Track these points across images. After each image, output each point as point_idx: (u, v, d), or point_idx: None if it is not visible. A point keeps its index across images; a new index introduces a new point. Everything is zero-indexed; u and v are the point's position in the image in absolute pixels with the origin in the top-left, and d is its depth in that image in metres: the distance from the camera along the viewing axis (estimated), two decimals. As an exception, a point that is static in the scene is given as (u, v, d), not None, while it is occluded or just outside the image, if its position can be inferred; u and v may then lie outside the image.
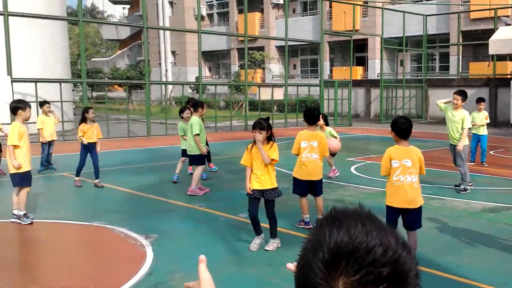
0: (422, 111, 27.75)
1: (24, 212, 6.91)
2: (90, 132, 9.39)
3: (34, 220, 6.98)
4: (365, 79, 32.44)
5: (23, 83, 17.08)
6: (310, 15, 37.27)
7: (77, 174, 9.51)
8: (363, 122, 27.27)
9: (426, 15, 27.84)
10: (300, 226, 6.72)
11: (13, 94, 15.62)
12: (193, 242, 6.20)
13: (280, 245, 5.87)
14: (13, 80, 16.10)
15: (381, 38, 26.55)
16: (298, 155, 6.66)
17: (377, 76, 30.53)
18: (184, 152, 9.70)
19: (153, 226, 6.75)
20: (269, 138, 5.78)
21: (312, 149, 6.60)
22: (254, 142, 5.70)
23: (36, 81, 17.11)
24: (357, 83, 29.18)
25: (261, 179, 5.74)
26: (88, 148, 9.42)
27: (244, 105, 24.61)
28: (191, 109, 9.23)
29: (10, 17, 16.15)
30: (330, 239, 0.96)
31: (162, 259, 5.49)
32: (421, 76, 29.70)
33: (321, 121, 9.12)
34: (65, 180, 10.28)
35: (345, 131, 22.08)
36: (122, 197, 8.94)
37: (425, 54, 28.85)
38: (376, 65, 31.70)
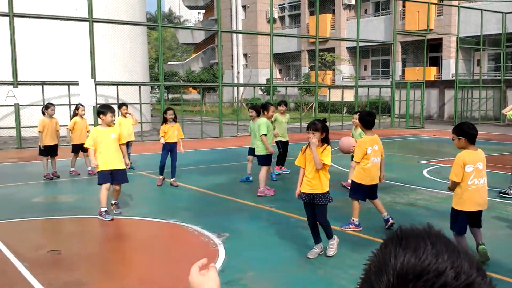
0: (500, 113, 26.50)
1: (106, 209, 7.28)
2: (171, 132, 9.72)
3: (115, 217, 7.34)
4: (438, 80, 31.40)
5: (106, 86, 17.92)
6: (382, 15, 36.56)
7: (160, 173, 9.84)
8: (436, 124, 26.42)
9: (506, 13, 26.55)
10: (350, 229, 6.64)
11: (96, 97, 16.43)
12: (263, 242, 6.29)
13: (338, 240, 5.71)
14: (97, 83, 16.92)
15: (457, 37, 25.57)
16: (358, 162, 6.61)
17: (452, 77, 29.47)
18: (251, 151, 9.86)
19: (225, 225, 6.91)
20: (325, 140, 5.57)
21: (375, 153, 6.57)
22: (309, 143, 5.52)
23: (117, 84, 17.88)
24: (430, 84, 28.30)
25: (312, 182, 5.51)
26: (169, 148, 9.75)
27: (314, 107, 24.52)
28: (259, 110, 9.52)
29: (94, 24, 17.00)
30: (396, 260, 0.87)
31: (233, 258, 5.61)
32: (499, 76, 28.35)
33: (356, 120, 8.64)
34: (144, 179, 10.70)
35: (417, 133, 21.49)
36: (196, 196, 9.19)
37: (504, 53, 27.51)
38: (451, 65, 30.60)
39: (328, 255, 5.62)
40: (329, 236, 5.65)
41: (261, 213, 7.76)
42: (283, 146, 10.88)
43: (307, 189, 5.54)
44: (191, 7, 64.34)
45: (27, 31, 17.52)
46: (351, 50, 35.92)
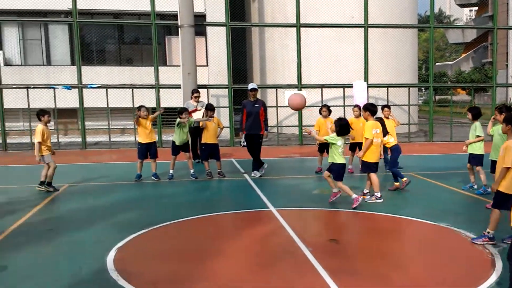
0: None
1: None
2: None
3: (386, 214, 7.44)
4: None
5: (377, 88, 18.18)
6: None
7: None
8: None
9: None
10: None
11: (368, 99, 16.80)
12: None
13: None
14: (369, 86, 17.31)
15: None
16: None
17: None
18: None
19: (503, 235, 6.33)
20: None
21: None
22: None
23: (387, 86, 17.97)
24: None
25: None
26: None
27: None
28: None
29: (369, 29, 17.41)
30: None
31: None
32: None
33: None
34: (414, 180, 10.49)
35: None
36: (464, 200, 8.66)
37: None
38: None
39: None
40: None
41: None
42: None
43: None
44: (462, 5, 60.47)
45: (310, 39, 18.92)
46: None
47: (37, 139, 9.22)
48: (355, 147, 10.87)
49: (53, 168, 9.42)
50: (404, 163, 12.16)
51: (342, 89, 17.55)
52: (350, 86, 17.24)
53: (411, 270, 5.24)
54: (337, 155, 7.86)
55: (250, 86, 10.83)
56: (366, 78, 17.44)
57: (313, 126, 11.18)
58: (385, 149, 9.43)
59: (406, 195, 9.02)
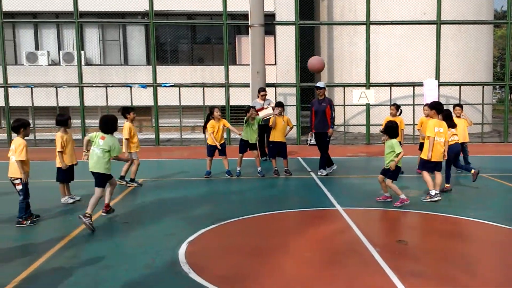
0: None
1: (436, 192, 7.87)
2: None
3: (459, 217, 7.20)
4: None
5: (448, 86, 17.55)
6: None
7: None
8: None
9: None
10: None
11: (439, 97, 16.24)
12: None
13: None
14: (440, 84, 16.73)
15: None
16: None
17: None
18: None
19: None
20: None
21: None
22: None
23: (460, 84, 17.30)
24: None
25: None
26: None
27: None
28: None
29: (442, 25, 16.83)
30: None
31: None
32: None
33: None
34: (487, 181, 10.08)
35: None
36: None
37: None
38: None
39: None
40: None
41: None
42: None
43: None
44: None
45: (379, 37, 18.55)
46: None
47: (124, 136, 9.46)
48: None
49: (137, 165, 9.74)
50: (477, 164, 11.69)
51: (411, 87, 17.08)
52: (420, 84, 16.75)
53: (481, 274, 5.06)
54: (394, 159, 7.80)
55: (319, 84, 10.80)
56: (437, 76, 16.87)
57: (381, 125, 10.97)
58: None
59: (478, 197, 8.68)
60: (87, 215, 6.61)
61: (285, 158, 11.01)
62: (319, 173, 10.82)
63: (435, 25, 16.86)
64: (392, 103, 11.62)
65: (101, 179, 6.86)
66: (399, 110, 10.90)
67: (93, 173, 6.89)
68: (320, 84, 10.81)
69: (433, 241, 6.31)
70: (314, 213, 7.66)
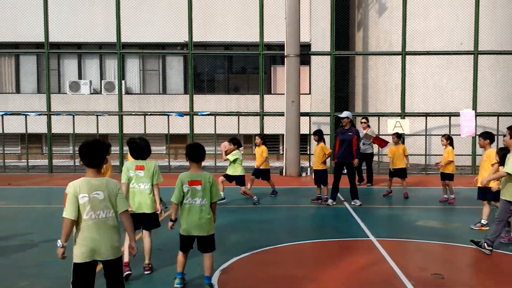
0: None
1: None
2: None
3: (496, 250, 6.96)
4: None
5: (486, 117, 17.19)
6: None
7: None
8: None
9: None
10: None
11: (476, 128, 15.90)
12: None
13: None
14: (477, 114, 16.41)
15: None
16: None
17: None
18: None
19: None
20: None
21: None
22: None
23: (498, 115, 16.92)
24: None
25: None
26: None
27: None
28: None
29: (479, 55, 16.62)
30: None
31: None
32: None
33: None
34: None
35: None
36: None
37: None
38: None
39: None
40: None
41: None
42: None
43: None
44: None
45: (414, 67, 18.42)
46: None
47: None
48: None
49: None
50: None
51: (448, 117, 16.80)
52: (457, 114, 16.46)
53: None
54: None
55: (343, 114, 10.74)
56: (474, 107, 16.56)
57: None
58: None
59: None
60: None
61: (324, 185, 11.05)
62: (352, 203, 10.69)
63: (472, 55, 16.65)
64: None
65: None
66: (401, 138, 12.08)
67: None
68: (345, 114, 10.73)
69: (473, 276, 6.11)
70: (347, 244, 7.55)
